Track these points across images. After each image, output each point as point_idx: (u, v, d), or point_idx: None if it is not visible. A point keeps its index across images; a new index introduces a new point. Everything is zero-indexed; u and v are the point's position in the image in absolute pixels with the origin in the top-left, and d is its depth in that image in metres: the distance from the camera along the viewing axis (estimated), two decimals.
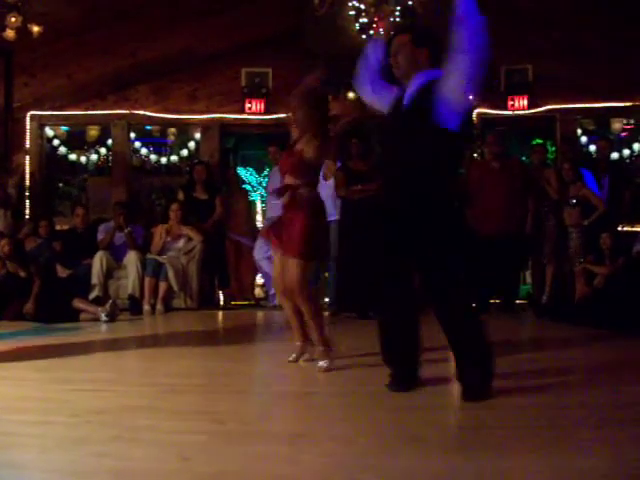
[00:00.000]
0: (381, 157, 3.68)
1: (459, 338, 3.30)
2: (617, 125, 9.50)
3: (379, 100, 3.63)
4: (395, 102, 3.47)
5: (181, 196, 8.50)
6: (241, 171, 10.95)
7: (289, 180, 4.14)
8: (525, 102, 9.06)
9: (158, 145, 10.25)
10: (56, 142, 9.89)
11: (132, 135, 9.88)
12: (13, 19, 7.06)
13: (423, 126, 3.25)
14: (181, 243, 8.11)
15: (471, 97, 3.26)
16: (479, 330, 3.29)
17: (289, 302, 4.22)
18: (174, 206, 8.22)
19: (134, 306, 7.64)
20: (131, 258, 7.93)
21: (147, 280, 7.80)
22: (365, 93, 3.70)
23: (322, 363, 4.02)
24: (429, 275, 3.34)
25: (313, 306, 4.11)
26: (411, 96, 3.33)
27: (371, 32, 8.50)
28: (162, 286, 7.80)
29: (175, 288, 7.84)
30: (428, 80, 3.27)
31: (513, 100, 9.12)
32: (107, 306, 6.76)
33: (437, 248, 3.26)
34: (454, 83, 3.13)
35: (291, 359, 4.29)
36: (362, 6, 8.44)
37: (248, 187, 10.97)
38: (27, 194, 9.30)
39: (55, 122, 9.75)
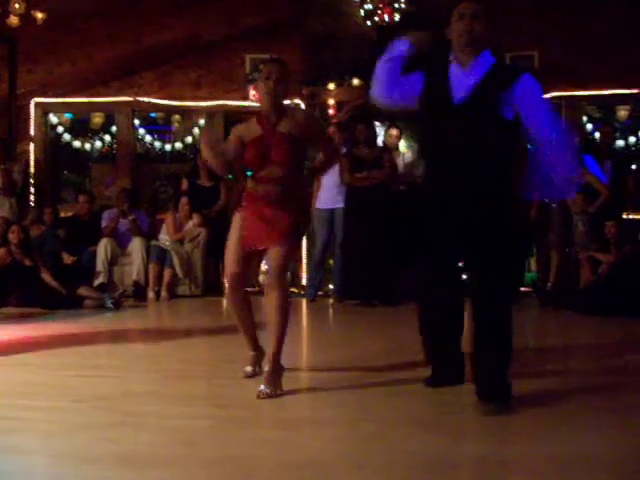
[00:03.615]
0: (434, 149, 3.18)
1: (491, 339, 3.00)
2: (623, 112, 9.43)
3: (405, 99, 3.24)
4: (440, 87, 3.10)
5: (185, 185, 8.46)
6: None
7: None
8: None
9: (162, 132, 10.22)
10: (60, 129, 9.87)
11: (136, 122, 9.86)
12: (17, 5, 7.06)
13: (491, 117, 3.01)
14: (189, 224, 8.10)
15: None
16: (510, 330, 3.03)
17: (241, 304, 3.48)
18: (184, 199, 8.19)
19: (139, 293, 7.66)
20: (136, 245, 7.94)
21: (152, 267, 7.81)
22: (390, 97, 3.26)
23: (264, 388, 3.10)
24: (481, 272, 3.07)
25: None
26: (479, 83, 3.02)
27: (376, 19, 8.47)
28: (167, 273, 7.80)
29: (180, 275, 7.84)
30: (493, 67, 3.05)
31: None
32: (116, 294, 6.81)
33: (495, 247, 3.03)
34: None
35: (248, 373, 3.51)
36: None
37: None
38: (31, 181, 9.30)
39: (59, 109, 9.73)
